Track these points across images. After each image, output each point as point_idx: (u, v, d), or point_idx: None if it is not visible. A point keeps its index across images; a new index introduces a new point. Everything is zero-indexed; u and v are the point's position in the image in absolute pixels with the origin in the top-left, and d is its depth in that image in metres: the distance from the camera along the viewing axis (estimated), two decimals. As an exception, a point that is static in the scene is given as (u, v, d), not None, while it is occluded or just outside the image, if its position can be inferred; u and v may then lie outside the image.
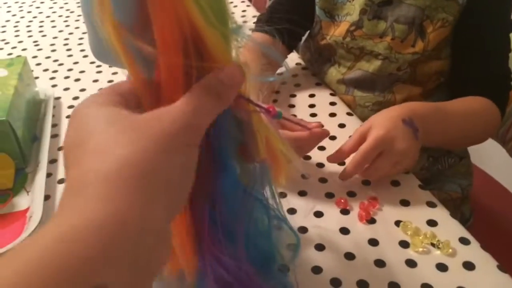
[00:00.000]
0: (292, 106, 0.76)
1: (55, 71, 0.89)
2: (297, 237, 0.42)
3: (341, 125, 0.71)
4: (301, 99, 0.78)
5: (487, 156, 1.06)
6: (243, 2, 1.15)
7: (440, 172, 0.80)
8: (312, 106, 0.76)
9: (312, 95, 0.79)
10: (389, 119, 0.59)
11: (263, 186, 0.37)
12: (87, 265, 0.20)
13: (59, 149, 0.69)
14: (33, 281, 0.19)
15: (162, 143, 0.24)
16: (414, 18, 0.71)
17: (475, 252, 0.50)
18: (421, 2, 0.70)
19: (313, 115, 0.74)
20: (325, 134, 0.58)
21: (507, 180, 0.98)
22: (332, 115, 0.73)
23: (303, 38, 0.88)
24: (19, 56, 0.89)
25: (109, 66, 0.85)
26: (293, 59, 0.89)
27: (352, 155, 0.59)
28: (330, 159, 0.61)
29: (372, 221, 0.55)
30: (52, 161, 0.66)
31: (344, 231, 0.54)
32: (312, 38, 0.84)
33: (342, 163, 0.63)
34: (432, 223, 0.54)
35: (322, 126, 0.58)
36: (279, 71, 0.76)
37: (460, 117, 0.68)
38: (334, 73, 0.80)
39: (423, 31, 0.71)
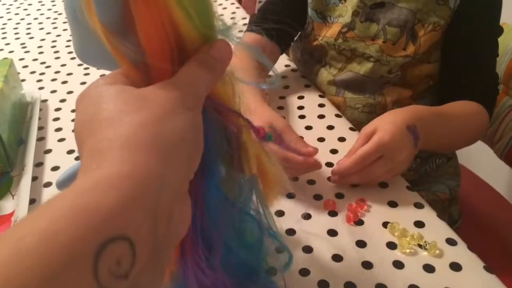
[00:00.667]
0: (281, 107, 0.76)
1: (42, 74, 0.88)
2: (290, 254, 0.41)
3: (330, 127, 0.71)
4: (290, 101, 0.78)
5: (475, 157, 1.07)
6: (232, 4, 1.15)
7: (428, 173, 0.80)
8: (301, 108, 0.76)
9: (301, 97, 0.79)
10: (395, 124, 0.59)
11: (250, 199, 0.37)
12: (109, 214, 0.21)
13: (45, 152, 0.68)
14: (63, 227, 0.20)
15: (167, 107, 0.26)
16: (406, 22, 0.71)
17: (462, 253, 0.50)
18: (413, 6, 0.71)
19: (302, 116, 0.74)
20: (317, 166, 0.58)
21: (495, 181, 0.99)
22: (321, 116, 0.73)
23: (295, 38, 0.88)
24: (5, 58, 0.88)
25: (97, 69, 0.85)
26: (282, 62, 0.89)
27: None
28: (341, 162, 0.59)
29: (360, 222, 0.55)
30: (38, 165, 0.65)
31: (332, 233, 0.54)
32: (304, 38, 0.84)
33: (330, 165, 0.63)
34: (419, 224, 0.54)
35: (317, 152, 0.58)
36: (270, 73, 0.76)
37: (457, 121, 0.69)
38: (325, 74, 0.80)
39: (415, 34, 0.72)
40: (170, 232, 0.24)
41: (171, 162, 0.24)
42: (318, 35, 0.79)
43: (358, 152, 0.57)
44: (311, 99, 0.78)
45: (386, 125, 0.58)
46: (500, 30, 0.74)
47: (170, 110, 0.26)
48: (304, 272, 0.49)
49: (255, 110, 0.63)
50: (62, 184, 0.37)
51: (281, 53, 0.85)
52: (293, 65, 0.88)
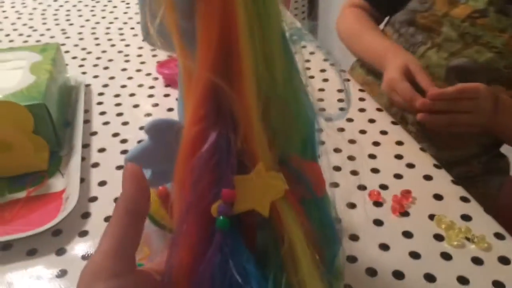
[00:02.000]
0: (321, 99, 0.77)
1: (83, 59, 0.90)
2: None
3: (371, 120, 0.71)
4: (330, 94, 0.78)
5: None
6: None
7: (490, 169, 0.82)
8: (340, 100, 0.76)
9: (340, 90, 0.79)
10: (491, 88, 0.70)
11: None
12: None
13: (91, 134, 0.69)
14: None
15: None
16: None
17: (510, 247, 0.50)
18: None
19: (341, 109, 0.74)
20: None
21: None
22: (362, 110, 0.74)
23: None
24: (47, 43, 0.90)
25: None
26: (321, 56, 0.89)
27: None
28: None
29: (405, 213, 0.55)
30: (85, 146, 0.67)
31: (378, 222, 0.54)
32: (416, 13, 0.84)
33: (373, 157, 0.63)
34: (466, 217, 0.54)
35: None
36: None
37: None
38: (434, 57, 0.80)
39: None
40: None
41: None
42: (439, 10, 0.80)
43: (458, 85, 0.67)
44: (352, 92, 0.78)
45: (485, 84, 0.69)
46: None
47: None
48: (351, 259, 0.49)
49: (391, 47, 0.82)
50: (132, 159, 0.38)
51: (383, 20, 0.97)
52: (330, 60, 0.88)
